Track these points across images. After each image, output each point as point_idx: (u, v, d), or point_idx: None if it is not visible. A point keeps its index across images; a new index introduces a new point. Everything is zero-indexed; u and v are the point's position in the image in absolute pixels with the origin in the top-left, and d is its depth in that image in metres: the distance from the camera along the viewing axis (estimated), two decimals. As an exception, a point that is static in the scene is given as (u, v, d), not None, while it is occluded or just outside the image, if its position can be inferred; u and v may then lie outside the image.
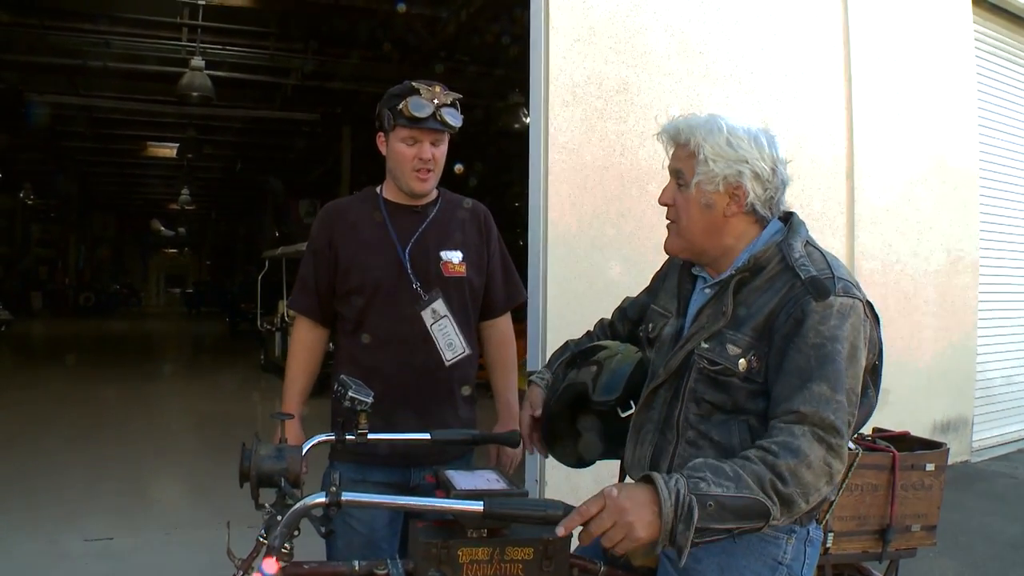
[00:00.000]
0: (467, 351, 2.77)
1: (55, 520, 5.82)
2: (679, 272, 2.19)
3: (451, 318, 2.74)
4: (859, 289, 1.88)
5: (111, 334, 25.94)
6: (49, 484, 6.84)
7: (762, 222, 2.02)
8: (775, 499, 1.66)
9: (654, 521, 1.62)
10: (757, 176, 1.95)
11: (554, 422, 2.28)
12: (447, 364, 2.73)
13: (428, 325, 2.71)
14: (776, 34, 5.94)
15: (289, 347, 3.04)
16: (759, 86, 5.80)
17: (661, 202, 2.07)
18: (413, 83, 2.67)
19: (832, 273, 1.87)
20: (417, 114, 2.62)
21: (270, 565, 1.68)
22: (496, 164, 15.99)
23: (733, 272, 1.96)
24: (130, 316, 36.42)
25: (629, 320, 2.46)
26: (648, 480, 1.67)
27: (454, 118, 2.69)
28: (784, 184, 2.02)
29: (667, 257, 2.27)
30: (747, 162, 1.93)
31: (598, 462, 2.33)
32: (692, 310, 2.09)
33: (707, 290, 2.05)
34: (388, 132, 2.71)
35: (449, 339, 2.73)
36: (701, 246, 2.02)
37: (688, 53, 5.47)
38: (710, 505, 1.63)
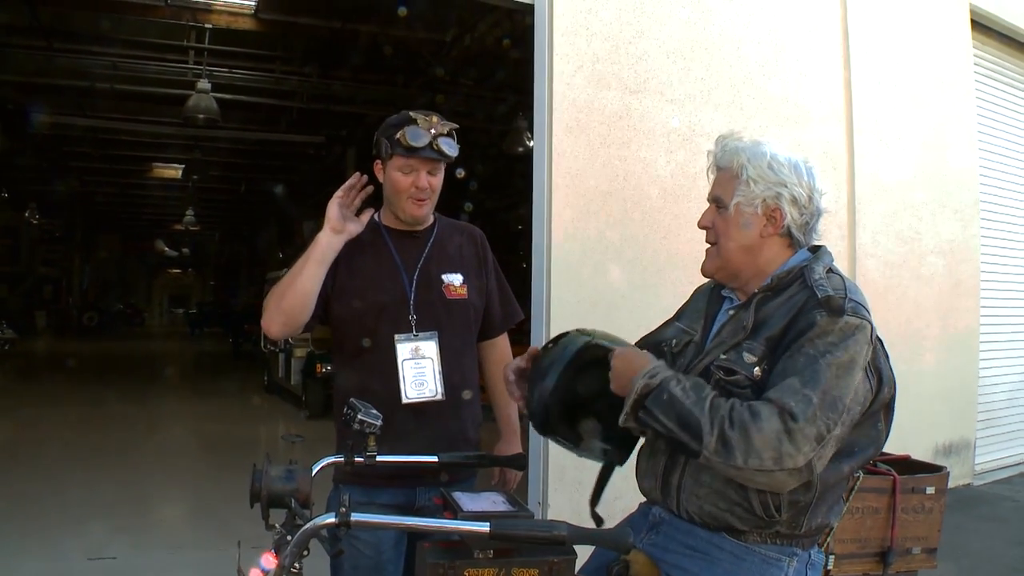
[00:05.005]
0: (438, 396, 2.71)
1: (59, 539, 5.84)
2: (709, 293, 2.27)
3: (436, 362, 2.72)
4: (869, 313, 1.93)
5: (115, 354, 25.94)
6: (53, 503, 6.85)
7: (795, 247, 2.09)
8: (714, 431, 1.80)
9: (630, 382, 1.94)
10: (795, 200, 2.04)
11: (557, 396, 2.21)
12: (403, 402, 2.67)
13: (399, 359, 2.70)
14: (777, 60, 5.99)
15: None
16: (760, 110, 5.85)
17: (700, 225, 2.16)
18: (411, 113, 2.70)
19: (846, 295, 1.93)
20: (414, 144, 2.63)
21: (268, 560, 1.72)
22: (500, 187, 16.03)
23: (756, 291, 2.03)
24: (133, 336, 36.48)
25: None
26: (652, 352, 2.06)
27: (451, 148, 2.71)
28: (819, 213, 2.10)
29: (678, 294, 2.36)
30: (786, 186, 2.03)
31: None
32: (715, 329, 2.16)
33: (731, 311, 2.12)
34: (385, 160, 2.73)
35: (421, 380, 2.70)
36: (737, 266, 2.09)
37: (690, 79, 5.52)
38: (665, 397, 1.88)
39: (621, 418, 1.95)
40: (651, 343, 2.41)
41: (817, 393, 1.79)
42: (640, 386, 1.91)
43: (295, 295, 2.59)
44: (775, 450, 1.75)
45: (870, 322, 1.91)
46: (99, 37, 12.26)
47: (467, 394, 2.82)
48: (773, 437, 1.74)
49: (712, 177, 2.17)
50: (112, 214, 36.09)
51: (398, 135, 2.66)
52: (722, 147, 2.15)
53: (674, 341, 2.27)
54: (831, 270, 2.04)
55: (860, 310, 1.91)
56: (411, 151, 2.65)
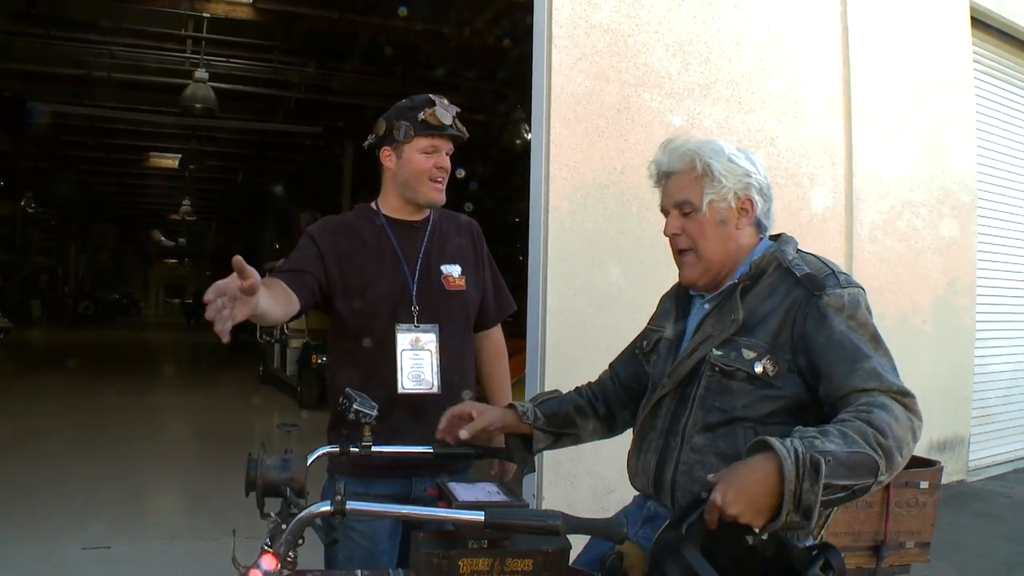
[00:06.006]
0: (434, 389, 2.71)
1: (54, 528, 5.84)
2: (676, 293, 2.27)
3: (434, 356, 2.73)
4: (857, 281, 1.98)
5: (110, 344, 25.93)
6: (48, 493, 6.86)
7: (761, 234, 2.12)
8: (880, 452, 1.65)
9: (776, 486, 1.56)
10: (760, 189, 2.08)
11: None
12: (399, 392, 2.68)
13: (398, 349, 2.71)
14: (776, 55, 5.99)
15: None
16: (759, 105, 5.85)
17: (669, 233, 2.13)
18: (428, 95, 2.75)
19: (831, 269, 1.97)
20: (444, 121, 2.70)
21: (268, 562, 1.71)
22: (497, 179, 16.04)
23: (736, 280, 2.04)
24: (129, 326, 36.41)
25: (620, 381, 2.44)
26: (763, 446, 1.62)
27: (463, 128, 2.79)
28: (771, 198, 2.14)
29: (661, 292, 2.37)
30: (750, 176, 2.06)
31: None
32: (692, 324, 2.16)
33: (706, 305, 2.12)
34: (402, 144, 2.73)
35: (419, 371, 2.71)
36: (719, 265, 2.09)
37: (689, 72, 5.51)
38: (829, 460, 1.58)
39: (812, 524, 1.60)
40: (624, 356, 2.46)
41: (890, 363, 1.83)
42: (814, 461, 1.57)
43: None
44: (910, 429, 1.73)
45: (861, 287, 1.96)
46: (97, 25, 12.23)
47: (467, 394, 2.82)
48: (905, 418, 1.73)
49: (664, 185, 2.15)
50: (109, 203, 36.06)
51: (423, 115, 2.70)
52: (670, 152, 2.12)
53: (644, 342, 2.31)
54: (799, 250, 2.08)
55: (850, 279, 1.96)
56: (439, 129, 2.71)
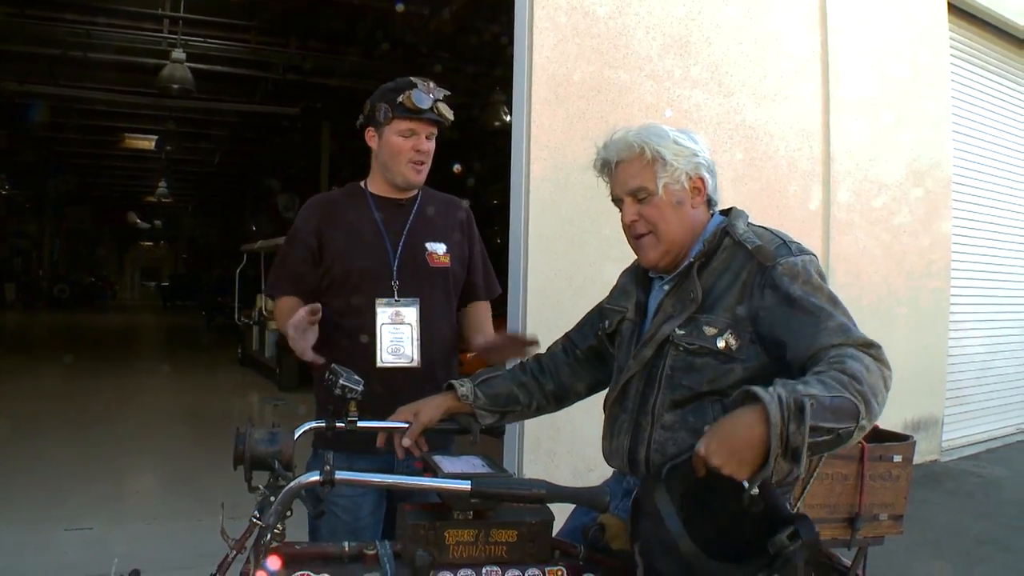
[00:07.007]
0: (414, 363, 2.75)
1: (35, 509, 5.84)
2: (634, 271, 2.31)
3: (415, 329, 2.76)
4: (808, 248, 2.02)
5: (86, 327, 25.71)
6: (29, 474, 6.85)
7: (711, 211, 2.17)
8: (859, 397, 1.68)
9: (761, 435, 1.58)
10: (708, 167, 2.12)
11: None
12: (377, 366, 2.71)
13: (378, 323, 2.74)
14: (756, 38, 6.02)
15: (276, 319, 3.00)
16: (738, 88, 5.88)
17: (627, 222, 2.17)
18: (411, 78, 2.76)
19: (782, 239, 2.01)
20: (420, 105, 2.71)
21: (274, 562, 1.74)
22: (477, 162, 16.02)
23: (691, 260, 2.07)
24: (105, 309, 36.13)
25: (576, 355, 2.47)
26: (748, 397, 1.65)
27: (449, 112, 2.79)
28: (716, 173, 2.17)
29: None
30: (697, 155, 2.09)
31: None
32: (652, 305, 2.19)
33: (665, 286, 2.15)
34: (383, 125, 2.77)
35: (398, 345, 2.74)
36: (680, 245, 2.12)
37: (669, 55, 5.54)
38: (812, 403, 1.62)
39: (800, 470, 1.64)
40: (582, 327, 2.48)
41: (849, 318, 1.86)
42: (798, 403, 1.61)
43: None
44: (881, 377, 1.76)
45: (813, 253, 2.00)
46: (73, 4, 12.08)
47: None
48: (875, 368, 1.76)
49: (612, 175, 2.17)
50: (84, 185, 35.62)
51: (400, 98, 2.72)
52: (613, 144, 2.15)
53: (606, 322, 2.34)
54: (750, 224, 2.11)
55: (803, 247, 2.00)
56: (415, 113, 2.73)
